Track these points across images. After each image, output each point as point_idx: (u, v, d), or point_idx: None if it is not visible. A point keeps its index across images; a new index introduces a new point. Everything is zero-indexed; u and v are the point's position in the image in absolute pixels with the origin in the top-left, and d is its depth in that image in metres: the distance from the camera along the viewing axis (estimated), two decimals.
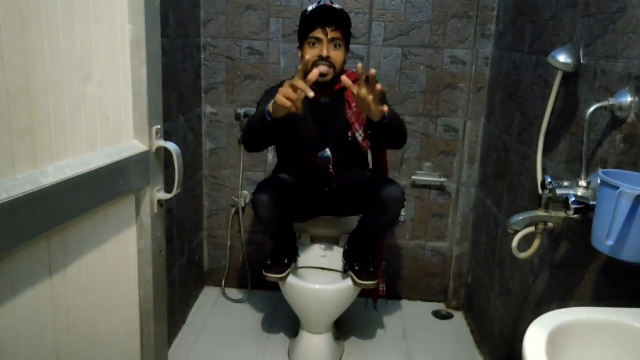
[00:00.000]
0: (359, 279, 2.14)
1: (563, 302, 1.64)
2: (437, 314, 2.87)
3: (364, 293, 2.32)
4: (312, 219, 2.39)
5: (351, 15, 2.58)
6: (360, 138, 2.08)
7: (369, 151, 2.26)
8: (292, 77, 2.18)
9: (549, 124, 1.74)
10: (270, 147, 2.58)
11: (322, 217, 2.40)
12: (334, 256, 2.43)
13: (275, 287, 2.34)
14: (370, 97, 1.67)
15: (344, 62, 2.05)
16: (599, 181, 1.20)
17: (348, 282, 2.17)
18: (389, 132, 1.89)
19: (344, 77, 1.73)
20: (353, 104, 2.05)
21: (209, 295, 2.94)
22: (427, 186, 2.82)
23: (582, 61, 1.58)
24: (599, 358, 1.07)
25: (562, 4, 1.76)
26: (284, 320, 2.70)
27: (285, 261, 2.20)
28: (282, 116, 1.76)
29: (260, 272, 2.22)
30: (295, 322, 2.49)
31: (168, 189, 1.31)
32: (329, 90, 2.05)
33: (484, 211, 2.56)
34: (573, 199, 1.38)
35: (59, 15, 0.95)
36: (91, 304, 1.13)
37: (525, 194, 2.02)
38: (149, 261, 1.29)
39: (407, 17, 2.61)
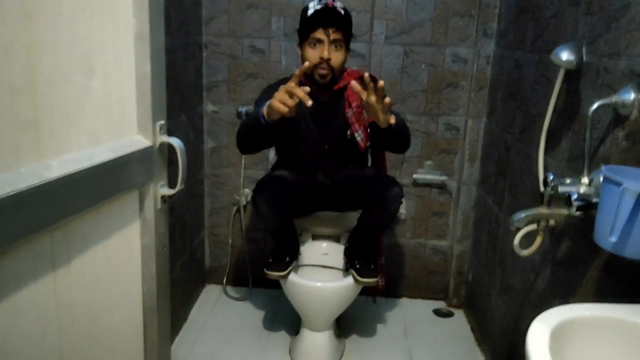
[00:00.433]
0: (361, 276, 2.15)
1: (565, 299, 1.64)
2: (438, 312, 2.87)
3: (364, 290, 2.32)
4: (311, 215, 2.40)
5: (353, 13, 2.57)
6: (359, 138, 2.09)
7: (368, 149, 2.26)
8: (290, 75, 2.20)
9: (551, 122, 1.74)
10: None
11: (322, 213, 2.41)
12: (335, 254, 2.43)
13: (276, 285, 2.34)
14: (380, 107, 1.68)
15: (344, 62, 2.05)
16: (602, 178, 1.20)
17: (349, 280, 2.17)
18: (394, 139, 1.91)
19: (353, 83, 1.72)
20: (353, 104, 2.06)
21: (210, 293, 2.94)
22: (428, 185, 2.82)
23: (584, 59, 1.58)
24: (602, 354, 1.07)
25: (564, 2, 1.76)
26: (285, 318, 2.70)
27: (287, 259, 2.20)
28: (276, 120, 1.77)
29: (261, 270, 2.22)
30: (296, 320, 2.50)
31: (171, 185, 1.31)
32: (329, 90, 2.05)
33: (485, 210, 2.56)
34: (575, 196, 1.38)
35: (63, 9, 0.95)
36: (94, 299, 1.13)
37: (526, 192, 2.02)
38: (152, 257, 1.29)
39: (408, 15, 2.61)
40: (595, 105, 1.39)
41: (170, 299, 1.45)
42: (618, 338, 1.07)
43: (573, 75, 1.64)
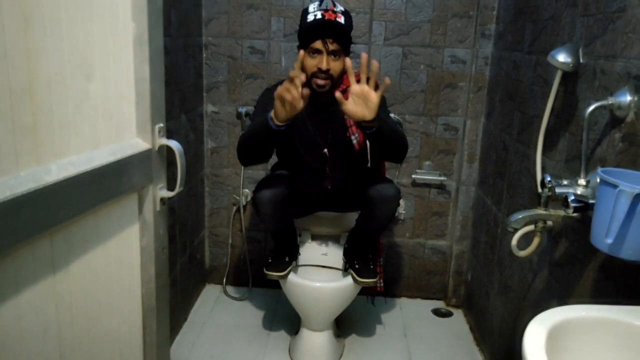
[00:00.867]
0: (360, 277, 2.16)
1: (562, 300, 1.65)
2: (437, 312, 2.88)
3: (363, 290, 2.33)
4: (311, 215, 2.40)
5: (352, 14, 2.59)
6: (355, 141, 2.10)
7: (368, 150, 2.26)
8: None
9: (548, 123, 1.75)
10: None
11: (321, 214, 2.41)
12: (335, 254, 2.44)
13: (276, 285, 2.35)
14: (370, 90, 1.71)
15: (344, 70, 2.05)
16: (598, 180, 1.21)
17: (349, 280, 2.18)
18: (388, 139, 1.89)
19: (337, 94, 1.74)
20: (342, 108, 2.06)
21: (210, 293, 2.95)
22: (427, 185, 2.83)
23: (581, 61, 1.59)
24: (598, 355, 1.08)
25: (562, 4, 1.76)
26: (285, 318, 2.71)
27: (287, 259, 2.21)
28: (287, 118, 1.76)
29: (261, 270, 2.23)
30: (296, 320, 2.51)
31: (170, 187, 1.32)
32: (328, 94, 2.06)
33: (483, 210, 2.57)
34: (572, 197, 1.39)
35: (62, 14, 0.96)
36: (94, 301, 1.14)
37: (524, 192, 2.03)
38: (151, 259, 1.29)
39: (407, 16, 2.61)
40: (591, 107, 1.40)
41: (170, 299, 1.46)
42: (614, 339, 1.08)
43: (570, 76, 1.65)
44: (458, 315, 2.86)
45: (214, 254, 3.01)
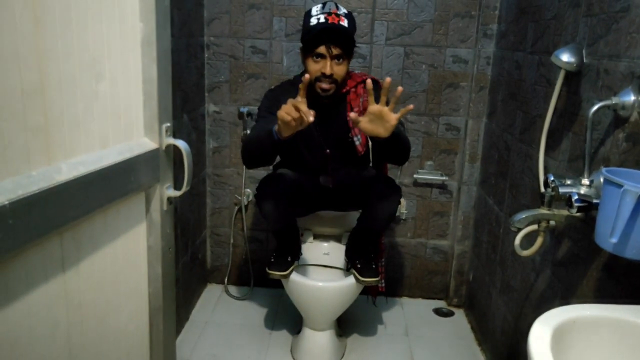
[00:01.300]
0: (362, 276, 2.16)
1: (565, 299, 1.66)
2: (438, 312, 2.89)
3: (364, 290, 2.33)
4: (313, 215, 2.41)
5: (354, 14, 2.60)
6: (357, 142, 2.11)
7: (370, 150, 2.27)
8: (293, 78, 2.20)
9: (551, 123, 1.76)
10: None
11: (323, 213, 2.42)
12: (337, 254, 2.45)
13: (277, 284, 2.36)
14: (388, 112, 1.70)
15: (347, 73, 2.06)
16: (602, 179, 1.22)
17: (351, 279, 2.18)
18: (395, 147, 1.91)
19: (352, 115, 1.72)
20: (355, 108, 2.07)
21: (212, 293, 2.96)
22: (428, 185, 2.84)
23: (585, 60, 1.59)
24: (603, 355, 1.09)
25: (564, 3, 1.77)
26: (287, 318, 2.71)
27: (289, 259, 2.21)
28: (289, 136, 1.77)
29: (263, 270, 2.23)
30: (298, 319, 2.51)
31: (176, 187, 1.33)
32: (332, 96, 2.06)
33: (485, 210, 2.58)
34: (576, 197, 1.39)
35: (72, 15, 0.96)
36: (102, 300, 1.14)
37: (527, 192, 2.04)
38: (158, 258, 1.30)
39: (409, 16, 2.62)
40: (595, 107, 1.41)
41: None
42: (619, 338, 1.08)
43: (573, 76, 1.66)
44: (459, 315, 2.87)
45: (216, 254, 3.02)
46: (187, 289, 2.63)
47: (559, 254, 1.72)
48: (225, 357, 2.39)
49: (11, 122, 0.83)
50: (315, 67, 1.97)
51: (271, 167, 2.38)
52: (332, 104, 2.09)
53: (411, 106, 1.68)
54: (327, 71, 1.95)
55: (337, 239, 2.54)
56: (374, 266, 2.22)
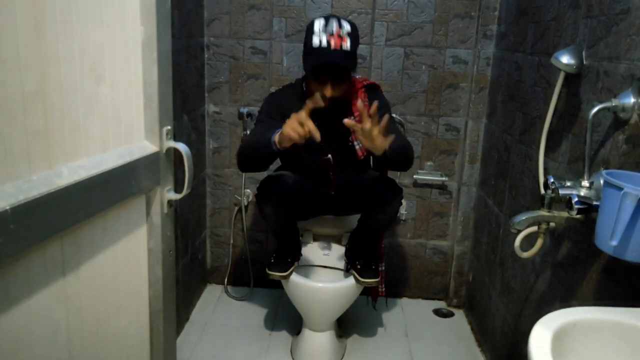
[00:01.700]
0: (362, 277, 2.16)
1: (565, 301, 1.66)
2: (438, 313, 2.89)
3: (364, 292, 2.33)
4: (315, 218, 2.41)
5: (354, 15, 2.60)
6: (357, 147, 2.10)
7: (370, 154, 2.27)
8: (295, 81, 2.20)
9: (551, 124, 1.76)
10: None
11: (324, 216, 2.42)
12: (337, 255, 2.45)
13: (277, 285, 2.36)
14: (375, 131, 1.71)
15: (350, 89, 2.06)
16: (602, 182, 1.22)
17: (350, 280, 2.19)
18: (391, 161, 1.93)
19: (347, 121, 1.75)
20: (356, 113, 2.07)
21: (212, 294, 2.96)
22: (428, 185, 2.84)
23: (584, 62, 1.59)
24: (603, 357, 1.09)
25: (564, 5, 1.77)
26: (287, 318, 2.71)
27: (289, 260, 2.22)
28: (288, 146, 1.80)
29: (262, 270, 2.23)
30: (297, 320, 2.51)
31: (177, 189, 1.33)
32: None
33: (485, 210, 2.58)
34: (576, 199, 1.39)
35: (73, 18, 0.96)
36: (103, 303, 1.14)
37: (527, 193, 2.04)
38: (158, 261, 1.30)
39: (409, 17, 2.62)
40: (595, 109, 1.41)
41: None
42: (619, 341, 1.08)
43: (573, 78, 1.66)
44: (459, 315, 2.87)
45: (216, 254, 3.02)
46: (186, 290, 2.63)
47: (559, 255, 1.72)
48: (225, 357, 2.39)
49: (12, 126, 0.83)
50: (317, 87, 1.97)
51: (272, 170, 2.38)
52: (334, 108, 2.09)
53: (374, 106, 1.68)
54: (328, 94, 1.95)
55: (337, 239, 2.54)
56: (373, 267, 2.22)
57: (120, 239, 1.18)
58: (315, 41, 1.93)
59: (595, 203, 1.37)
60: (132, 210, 1.21)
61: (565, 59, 1.60)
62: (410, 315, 2.84)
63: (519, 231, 1.59)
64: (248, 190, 2.85)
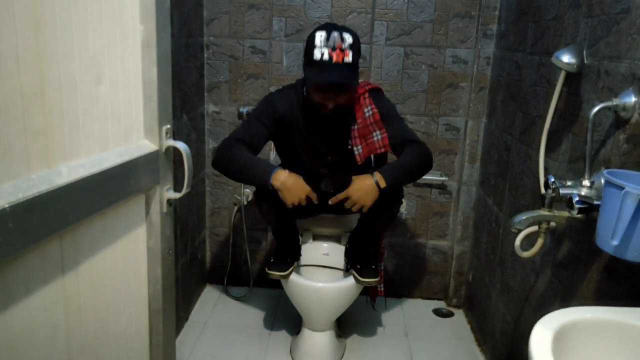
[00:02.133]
0: (361, 277, 2.16)
1: (565, 301, 1.66)
2: (438, 312, 2.89)
3: (364, 291, 2.33)
4: (314, 217, 2.40)
5: (354, 15, 2.60)
6: (356, 152, 2.10)
7: (372, 159, 2.26)
8: (295, 82, 2.19)
9: (551, 123, 1.76)
10: (271, 146, 2.58)
11: (324, 215, 2.41)
12: (336, 254, 2.45)
13: (277, 284, 2.35)
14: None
15: (353, 98, 2.06)
16: (603, 181, 1.22)
17: (350, 280, 2.18)
18: (400, 185, 2.09)
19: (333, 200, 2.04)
20: (359, 120, 2.07)
21: (211, 293, 2.95)
22: (428, 185, 2.84)
23: (585, 62, 1.59)
24: (604, 357, 1.09)
25: (565, 4, 1.77)
26: (286, 318, 2.71)
27: (288, 259, 2.22)
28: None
29: (262, 270, 2.24)
30: (297, 320, 2.51)
31: (176, 189, 1.32)
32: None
33: (485, 210, 2.58)
34: (577, 198, 1.39)
35: (72, 18, 0.96)
36: (102, 302, 1.14)
37: (527, 193, 2.03)
38: (158, 260, 1.30)
39: (409, 16, 2.62)
40: (596, 108, 1.41)
41: None
42: (620, 341, 1.08)
43: (574, 77, 1.66)
44: (459, 315, 2.87)
45: (215, 254, 3.01)
46: (186, 289, 2.63)
47: (559, 255, 1.72)
48: (225, 357, 2.39)
49: (11, 125, 0.83)
50: (318, 97, 1.97)
51: None
52: (335, 113, 2.09)
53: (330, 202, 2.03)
54: (330, 106, 1.96)
55: (337, 239, 2.54)
56: (373, 267, 2.21)
57: (120, 238, 1.17)
58: (317, 55, 1.90)
59: (596, 202, 1.37)
60: (132, 209, 1.20)
61: (566, 58, 1.59)
62: (410, 315, 2.84)
63: (520, 231, 1.59)
64: (247, 190, 2.84)
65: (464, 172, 2.74)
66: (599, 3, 1.54)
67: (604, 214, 1.20)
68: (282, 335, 2.58)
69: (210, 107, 2.78)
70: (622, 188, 1.11)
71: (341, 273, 2.39)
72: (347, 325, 2.67)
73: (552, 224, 1.62)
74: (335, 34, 1.90)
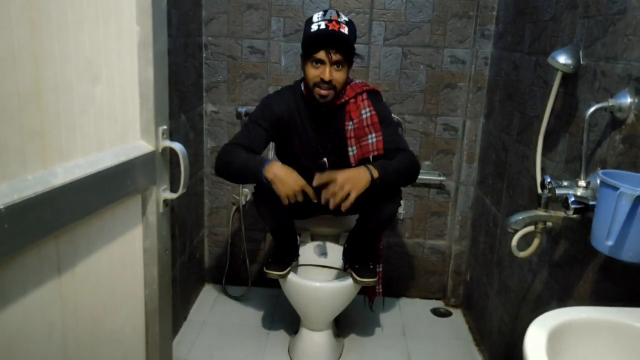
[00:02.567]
0: (359, 276, 2.16)
1: (562, 301, 1.66)
2: (435, 312, 2.89)
3: (362, 291, 2.33)
4: (312, 217, 2.41)
5: (352, 15, 2.61)
6: (351, 154, 2.10)
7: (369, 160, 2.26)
8: (294, 83, 2.19)
9: (548, 124, 1.76)
10: (270, 146, 2.58)
11: (322, 216, 2.42)
12: (334, 254, 2.45)
13: (275, 284, 2.36)
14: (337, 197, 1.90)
15: (346, 81, 2.07)
16: (598, 181, 1.22)
17: (348, 280, 2.19)
18: (388, 185, 2.00)
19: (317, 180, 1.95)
20: (355, 119, 2.07)
21: (209, 293, 2.96)
22: (426, 185, 2.84)
23: (582, 62, 1.59)
24: (599, 357, 1.09)
25: (562, 5, 1.77)
26: (284, 318, 2.71)
27: (287, 259, 2.22)
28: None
29: (260, 270, 2.24)
30: (295, 320, 2.51)
31: (173, 189, 1.33)
32: (330, 103, 2.06)
33: (482, 210, 2.58)
34: (573, 199, 1.39)
35: (68, 18, 0.96)
36: (98, 302, 1.14)
37: (524, 193, 2.04)
38: (154, 260, 1.30)
39: (407, 17, 2.62)
40: (592, 109, 1.41)
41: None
42: (615, 341, 1.08)
43: (570, 78, 1.66)
44: (457, 315, 2.88)
45: (214, 254, 3.02)
46: (184, 289, 2.63)
47: (556, 255, 1.72)
48: (223, 356, 2.39)
49: (7, 125, 0.83)
50: (315, 72, 1.98)
51: None
52: (330, 112, 2.09)
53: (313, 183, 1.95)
54: (326, 77, 1.96)
55: (335, 239, 2.54)
56: (371, 267, 2.22)
57: (116, 238, 1.18)
58: (314, 27, 1.97)
59: (591, 203, 1.37)
60: (128, 209, 1.21)
61: (563, 58, 1.60)
62: (407, 315, 2.84)
63: (516, 231, 1.59)
64: (246, 190, 2.85)
65: (462, 172, 2.75)
66: (596, 4, 1.54)
67: (599, 214, 1.20)
68: (280, 335, 2.58)
69: (208, 107, 2.79)
70: (616, 188, 1.11)
71: (339, 273, 2.39)
72: (345, 324, 2.67)
73: (549, 224, 1.63)
74: (332, 11, 2.00)
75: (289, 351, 2.44)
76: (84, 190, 1.00)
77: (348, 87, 2.09)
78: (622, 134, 1.37)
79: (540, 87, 1.92)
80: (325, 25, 1.95)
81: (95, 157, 1.06)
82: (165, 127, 1.27)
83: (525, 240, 1.69)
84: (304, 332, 2.35)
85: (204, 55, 2.72)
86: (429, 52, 2.66)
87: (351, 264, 2.22)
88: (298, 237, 2.39)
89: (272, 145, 2.43)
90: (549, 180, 1.51)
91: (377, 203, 2.06)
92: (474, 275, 2.68)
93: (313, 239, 2.54)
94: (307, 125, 2.11)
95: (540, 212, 1.53)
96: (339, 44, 1.95)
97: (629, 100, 1.33)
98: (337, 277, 2.35)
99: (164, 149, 1.28)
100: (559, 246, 1.70)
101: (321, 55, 1.95)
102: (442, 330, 2.73)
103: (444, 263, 2.96)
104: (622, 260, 1.15)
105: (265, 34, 2.68)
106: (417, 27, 2.63)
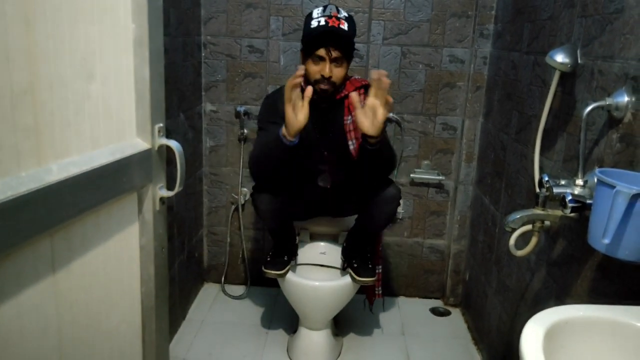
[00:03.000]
0: (358, 275, 2.16)
1: (560, 299, 1.66)
2: (434, 311, 2.89)
3: (361, 290, 2.33)
4: (312, 218, 2.41)
5: (351, 14, 2.60)
6: (352, 147, 2.10)
7: None
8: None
9: (546, 123, 1.76)
10: None
11: (321, 217, 2.41)
12: (333, 253, 2.45)
13: (274, 283, 2.36)
14: (379, 106, 1.76)
15: (346, 76, 2.07)
16: (595, 180, 1.22)
17: (347, 279, 2.19)
18: (379, 154, 1.93)
19: (353, 94, 1.83)
20: (353, 113, 2.07)
21: (208, 292, 2.96)
22: (425, 184, 2.84)
23: (579, 61, 1.59)
24: (595, 355, 1.09)
25: (560, 4, 1.77)
26: (283, 317, 2.71)
27: (285, 258, 2.22)
28: (298, 129, 1.83)
29: (259, 269, 2.23)
30: (294, 319, 2.51)
31: (169, 187, 1.33)
32: (330, 98, 2.06)
33: (481, 209, 2.58)
34: (570, 197, 1.39)
35: (63, 15, 0.96)
36: (94, 300, 1.14)
37: (522, 192, 2.04)
38: (151, 258, 1.30)
39: (406, 16, 2.62)
40: (589, 108, 1.41)
41: (169, 297, 1.46)
42: (612, 339, 1.08)
43: (568, 77, 1.66)
44: (456, 314, 2.87)
45: (212, 253, 3.02)
46: (183, 288, 2.63)
47: (554, 253, 1.72)
48: (222, 356, 2.39)
49: (1, 122, 0.83)
50: (315, 69, 1.98)
51: None
52: (330, 107, 2.09)
53: (386, 81, 1.76)
54: (326, 73, 1.96)
55: (334, 238, 2.54)
56: (370, 266, 2.22)
57: (112, 236, 1.18)
58: (314, 23, 1.97)
59: (589, 201, 1.37)
60: (124, 207, 1.21)
61: (560, 57, 1.59)
62: (406, 314, 2.84)
63: (514, 230, 1.59)
64: (245, 189, 2.85)
65: (461, 171, 2.74)
66: (593, 3, 1.54)
67: (596, 212, 1.20)
68: (279, 334, 2.58)
69: (207, 106, 2.79)
70: (613, 187, 1.11)
71: (338, 272, 2.39)
72: (344, 324, 2.67)
73: (546, 222, 1.63)
74: (331, 6, 2.01)
75: (287, 350, 2.44)
76: (79, 187, 1.00)
77: (347, 82, 2.09)
78: (619, 132, 1.36)
79: (538, 87, 1.92)
80: (325, 21, 1.95)
81: (91, 155, 1.05)
82: (161, 124, 1.27)
83: (523, 239, 1.69)
84: (303, 331, 2.35)
85: (203, 54, 2.72)
86: (428, 51, 2.66)
87: (350, 263, 2.22)
88: (297, 236, 2.39)
89: None
90: (546, 179, 1.51)
91: (376, 202, 2.06)
92: (473, 275, 2.68)
93: (312, 238, 2.54)
94: (307, 122, 2.11)
95: (538, 211, 1.53)
96: (338, 41, 1.95)
97: (626, 99, 1.33)
98: (336, 277, 2.34)
99: (160, 146, 1.27)
100: (557, 245, 1.70)
101: (321, 52, 1.96)
102: (441, 329, 2.72)
103: (442, 262, 2.95)
104: (619, 259, 1.15)
105: (264, 33, 2.68)
106: (416, 26, 2.63)
